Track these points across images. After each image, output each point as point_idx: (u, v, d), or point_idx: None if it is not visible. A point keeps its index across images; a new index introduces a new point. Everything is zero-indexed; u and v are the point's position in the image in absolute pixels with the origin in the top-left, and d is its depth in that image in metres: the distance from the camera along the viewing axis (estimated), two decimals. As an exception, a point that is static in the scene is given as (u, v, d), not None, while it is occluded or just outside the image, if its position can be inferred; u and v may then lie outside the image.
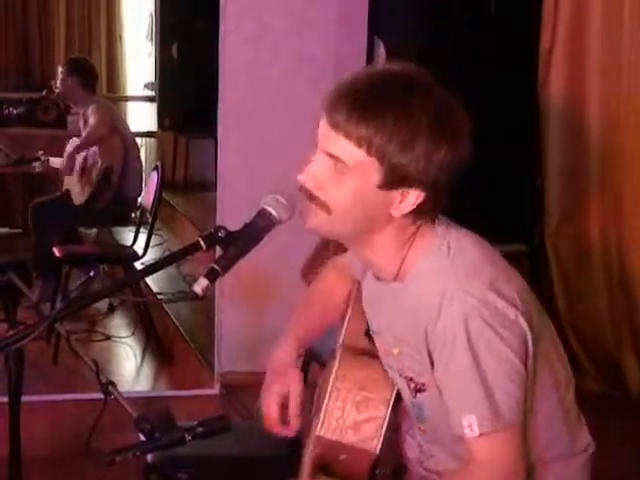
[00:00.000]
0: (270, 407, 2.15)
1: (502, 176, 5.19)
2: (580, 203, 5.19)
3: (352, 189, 1.85)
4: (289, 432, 2.14)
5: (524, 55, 5.23)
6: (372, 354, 2.08)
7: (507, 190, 5.26)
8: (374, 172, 1.83)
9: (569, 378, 2.08)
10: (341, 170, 1.84)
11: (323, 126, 1.86)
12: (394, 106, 1.81)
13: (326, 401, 1.97)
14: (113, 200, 6.40)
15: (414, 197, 1.86)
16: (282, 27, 4.75)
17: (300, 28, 4.76)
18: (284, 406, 2.15)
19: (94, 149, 6.43)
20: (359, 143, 1.81)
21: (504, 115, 5.14)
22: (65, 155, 6.56)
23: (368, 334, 2.12)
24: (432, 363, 1.89)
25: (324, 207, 1.88)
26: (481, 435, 1.83)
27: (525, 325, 1.86)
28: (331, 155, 1.85)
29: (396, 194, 1.86)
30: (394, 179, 1.84)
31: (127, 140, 6.56)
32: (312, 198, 1.88)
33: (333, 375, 1.99)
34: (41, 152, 6.79)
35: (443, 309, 1.85)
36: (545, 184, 5.25)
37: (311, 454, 2.02)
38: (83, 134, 6.50)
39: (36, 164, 6.82)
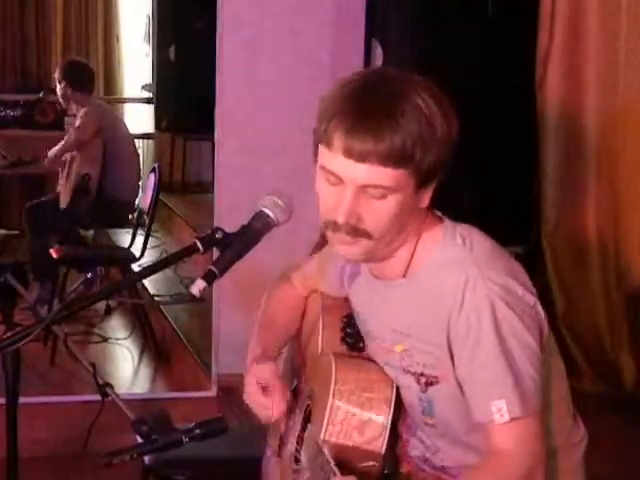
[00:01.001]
0: (250, 385, 2.16)
1: (499, 178, 5.19)
2: (577, 204, 5.20)
3: (395, 205, 1.85)
4: (274, 412, 2.13)
5: (522, 56, 5.23)
6: (365, 358, 2.09)
7: (504, 192, 5.26)
8: (410, 180, 1.84)
9: (565, 373, 2.11)
10: (383, 195, 1.84)
11: (345, 160, 1.81)
12: (410, 115, 1.81)
13: (329, 404, 1.96)
14: (98, 203, 6.40)
15: (432, 187, 1.90)
16: (279, 28, 4.75)
17: (297, 29, 4.77)
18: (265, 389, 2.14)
19: (73, 154, 6.46)
20: (392, 163, 1.80)
21: (501, 116, 5.14)
22: (48, 154, 6.59)
23: (345, 341, 2.13)
24: (451, 354, 1.90)
25: (365, 235, 1.87)
26: (511, 420, 1.83)
27: (542, 312, 1.91)
28: (372, 186, 1.82)
29: (429, 190, 1.89)
30: (426, 179, 1.86)
31: (117, 143, 6.55)
32: (355, 231, 1.86)
33: (333, 379, 1.98)
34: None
35: (467, 297, 1.86)
36: (542, 185, 5.25)
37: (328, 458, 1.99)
38: (65, 137, 6.53)
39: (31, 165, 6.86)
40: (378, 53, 4.85)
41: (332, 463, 1.87)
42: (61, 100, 6.75)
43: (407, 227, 1.93)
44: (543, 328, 1.92)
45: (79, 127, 6.43)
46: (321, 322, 2.18)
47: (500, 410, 1.84)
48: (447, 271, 1.90)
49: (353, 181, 1.83)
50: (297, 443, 2.17)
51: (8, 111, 7.89)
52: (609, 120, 5.03)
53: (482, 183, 5.05)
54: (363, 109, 1.81)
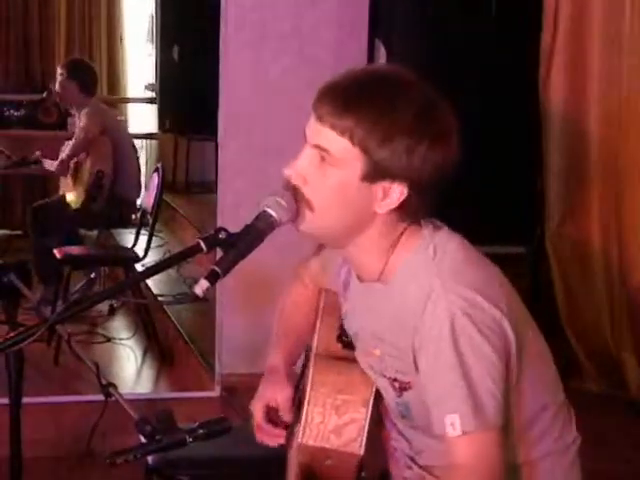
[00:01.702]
0: (257, 411, 2.17)
1: (502, 178, 5.19)
2: (580, 204, 5.20)
3: (336, 181, 1.86)
4: (276, 440, 2.17)
5: (525, 56, 5.24)
6: (348, 358, 2.09)
7: (507, 192, 5.27)
8: (358, 163, 1.84)
9: (557, 376, 2.09)
10: (327, 161, 1.85)
11: (311, 121, 1.89)
12: (378, 100, 1.83)
13: (305, 408, 1.98)
14: (109, 202, 6.40)
15: (397, 193, 1.86)
16: (283, 29, 4.75)
17: (301, 30, 4.77)
18: (274, 410, 2.16)
19: (84, 154, 6.45)
20: (343, 133, 1.83)
21: (504, 116, 5.15)
22: (58, 160, 6.58)
23: (341, 339, 2.13)
24: (416, 363, 1.89)
25: (307, 204, 1.88)
26: (463, 434, 1.82)
27: (509, 327, 1.87)
28: (318, 147, 1.86)
29: (378, 188, 1.86)
30: (376, 172, 1.84)
31: (121, 143, 6.55)
32: (297, 194, 1.88)
33: (310, 382, 1.99)
34: (38, 153, 6.79)
35: (428, 308, 1.85)
36: (545, 185, 5.25)
37: (297, 463, 2.02)
38: (73, 139, 6.53)
39: (34, 166, 6.84)
40: (381, 54, 4.86)
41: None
42: (62, 98, 6.74)
43: (362, 227, 1.91)
44: (509, 342, 1.87)
45: (84, 126, 6.42)
46: (320, 320, 2.19)
47: (453, 424, 1.82)
48: (413, 281, 1.90)
49: (309, 140, 1.89)
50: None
51: (12, 111, 7.90)
52: (612, 119, 5.03)
53: (485, 183, 5.06)
54: (344, 83, 1.87)
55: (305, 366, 2.29)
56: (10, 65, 8.44)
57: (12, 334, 1.87)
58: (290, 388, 2.17)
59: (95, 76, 6.79)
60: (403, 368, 1.94)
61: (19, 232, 7.66)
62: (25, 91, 8.16)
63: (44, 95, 7.63)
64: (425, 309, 1.85)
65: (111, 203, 6.40)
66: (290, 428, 2.17)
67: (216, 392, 4.85)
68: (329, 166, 1.86)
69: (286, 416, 2.15)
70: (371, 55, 4.83)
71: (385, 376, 1.98)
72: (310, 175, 1.88)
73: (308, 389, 2.00)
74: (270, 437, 2.18)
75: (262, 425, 2.18)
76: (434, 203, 1.92)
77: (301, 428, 1.98)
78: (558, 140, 5.18)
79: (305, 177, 1.89)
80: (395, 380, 1.96)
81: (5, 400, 2.04)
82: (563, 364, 2.15)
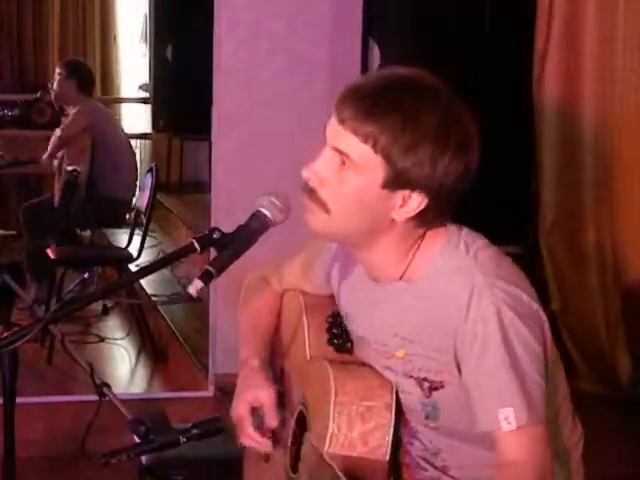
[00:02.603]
0: (243, 417, 2.14)
1: (497, 178, 5.19)
2: (575, 204, 5.20)
3: (355, 187, 1.85)
4: (265, 445, 2.15)
5: (519, 56, 5.24)
6: (356, 362, 2.07)
7: (502, 192, 5.27)
8: (379, 170, 1.83)
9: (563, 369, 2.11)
10: (347, 166, 1.84)
11: (332, 123, 1.87)
12: (402, 108, 1.82)
13: (331, 417, 1.95)
14: (90, 202, 6.41)
15: (417, 202, 1.86)
16: (277, 29, 4.75)
17: (295, 30, 4.76)
18: (259, 419, 2.14)
19: (63, 151, 6.49)
20: (365, 139, 1.81)
21: (499, 116, 5.14)
22: (44, 156, 6.62)
23: (332, 342, 2.12)
24: (457, 360, 1.89)
25: (323, 206, 1.87)
26: (518, 428, 1.81)
27: (545, 319, 1.90)
28: (338, 150, 1.85)
29: (398, 196, 1.85)
30: (397, 180, 1.83)
31: (111, 143, 6.55)
32: (312, 195, 1.87)
33: (333, 391, 1.97)
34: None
35: (473, 304, 1.85)
36: (540, 185, 5.26)
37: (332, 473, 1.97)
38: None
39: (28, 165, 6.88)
40: (375, 54, 4.86)
41: (343, 478, 1.85)
42: (59, 97, 6.74)
43: (379, 233, 1.90)
44: (546, 333, 1.90)
45: (65, 125, 6.50)
46: (306, 324, 2.17)
47: (507, 418, 1.81)
48: (451, 278, 1.90)
49: (330, 142, 1.87)
50: (292, 451, 2.15)
51: (5, 111, 7.90)
52: (606, 120, 5.04)
53: (480, 183, 5.05)
54: (369, 87, 1.85)
55: (282, 370, 2.28)
56: (4, 65, 8.43)
57: (6, 334, 1.86)
58: (273, 389, 2.15)
59: (92, 77, 6.84)
60: (436, 367, 1.92)
61: (13, 232, 7.64)
62: (19, 91, 8.15)
63: (38, 95, 7.63)
64: (469, 305, 1.85)
65: (92, 202, 6.41)
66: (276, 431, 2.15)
67: (210, 392, 4.84)
68: (349, 171, 1.85)
69: (271, 418, 2.13)
70: (365, 55, 4.83)
71: (412, 377, 1.96)
72: (328, 178, 1.87)
73: (332, 398, 1.97)
74: (258, 443, 2.15)
75: (250, 432, 2.14)
76: (452, 210, 1.93)
77: (327, 437, 1.95)
78: (552, 141, 5.18)
79: (323, 179, 1.87)
80: (425, 380, 1.94)
81: (-1, 400, 2.03)
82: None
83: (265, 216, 1.88)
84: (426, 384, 1.95)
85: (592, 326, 5.11)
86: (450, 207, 1.92)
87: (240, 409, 2.15)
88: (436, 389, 1.94)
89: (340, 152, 1.85)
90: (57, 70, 6.64)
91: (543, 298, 1.95)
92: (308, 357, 2.13)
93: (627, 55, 4.92)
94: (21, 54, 8.50)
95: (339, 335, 2.14)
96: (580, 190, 5.16)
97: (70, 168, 6.35)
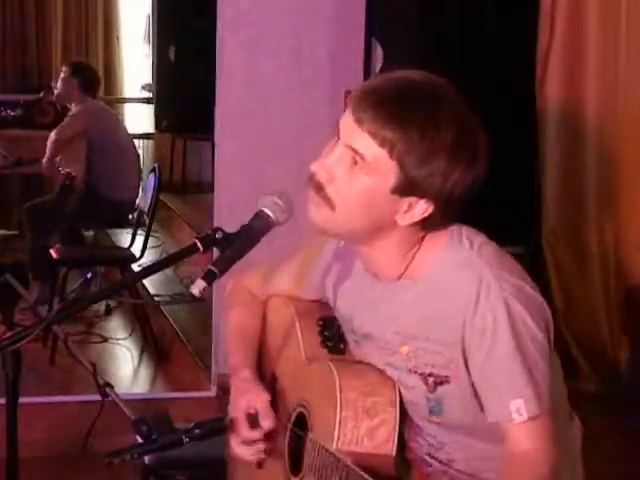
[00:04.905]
0: (242, 425, 2.12)
1: (500, 178, 5.19)
2: (578, 205, 5.20)
3: (364, 188, 1.85)
4: (256, 449, 2.13)
5: (522, 55, 5.24)
6: (355, 361, 2.08)
7: (505, 191, 5.27)
8: (391, 175, 1.84)
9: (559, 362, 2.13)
10: (359, 166, 1.84)
11: (347, 120, 1.86)
12: (421, 118, 1.82)
13: (338, 415, 1.95)
14: (87, 202, 6.42)
15: (422, 209, 1.87)
16: (279, 29, 4.75)
17: (297, 30, 4.76)
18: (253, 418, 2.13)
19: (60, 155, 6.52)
20: (382, 143, 1.82)
21: (501, 116, 5.15)
22: (43, 161, 6.64)
23: (325, 344, 2.13)
24: (465, 354, 1.90)
25: (328, 202, 1.87)
26: (529, 419, 1.84)
27: (549, 312, 1.93)
28: (353, 149, 1.85)
29: (405, 202, 1.87)
30: (407, 187, 1.84)
31: (113, 144, 6.56)
32: (319, 190, 1.88)
33: (338, 388, 1.97)
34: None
35: (481, 298, 1.86)
36: (543, 186, 5.26)
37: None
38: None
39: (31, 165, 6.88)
40: (378, 54, 4.85)
41: (364, 475, 1.84)
42: (63, 97, 6.74)
43: (381, 233, 1.92)
44: (550, 326, 1.93)
45: (61, 128, 6.50)
46: (298, 328, 2.18)
47: (519, 409, 1.84)
48: (457, 273, 1.91)
49: (344, 139, 1.86)
50: (290, 454, 2.14)
51: (8, 111, 7.91)
52: (609, 119, 5.04)
53: (483, 184, 5.05)
54: (387, 90, 1.85)
55: (273, 375, 2.27)
56: (7, 65, 8.45)
57: (9, 334, 1.86)
58: (266, 393, 2.14)
59: (97, 78, 6.83)
60: (442, 362, 1.93)
61: (16, 232, 7.65)
62: (21, 91, 8.16)
63: (40, 95, 7.64)
64: (478, 299, 1.87)
65: (90, 203, 6.42)
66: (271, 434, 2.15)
67: (212, 392, 4.84)
68: (360, 171, 1.85)
69: (266, 419, 2.11)
70: (368, 55, 4.83)
71: (416, 372, 1.97)
72: (338, 174, 1.87)
73: (338, 395, 1.97)
74: (254, 452, 2.13)
75: (245, 433, 2.11)
76: (455, 215, 1.95)
77: (335, 435, 1.95)
78: (555, 140, 5.19)
79: (332, 175, 1.87)
80: (430, 375, 1.95)
81: (1, 400, 2.03)
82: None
83: (268, 216, 1.88)
84: (431, 379, 1.96)
85: (595, 326, 5.11)
86: (455, 214, 1.94)
87: (239, 418, 2.13)
88: (441, 384, 1.95)
89: (355, 151, 1.85)
90: (63, 69, 6.66)
91: (545, 298, 1.96)
92: (304, 360, 2.14)
93: (630, 55, 4.92)
94: (24, 54, 8.52)
95: (331, 337, 2.16)
96: (583, 190, 5.17)
97: (65, 171, 6.37)
